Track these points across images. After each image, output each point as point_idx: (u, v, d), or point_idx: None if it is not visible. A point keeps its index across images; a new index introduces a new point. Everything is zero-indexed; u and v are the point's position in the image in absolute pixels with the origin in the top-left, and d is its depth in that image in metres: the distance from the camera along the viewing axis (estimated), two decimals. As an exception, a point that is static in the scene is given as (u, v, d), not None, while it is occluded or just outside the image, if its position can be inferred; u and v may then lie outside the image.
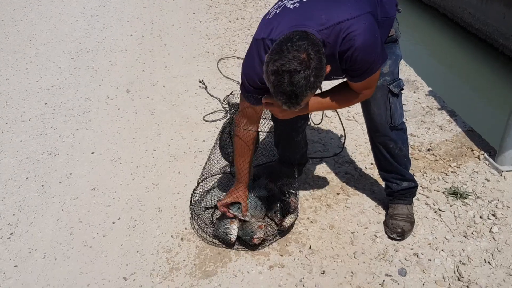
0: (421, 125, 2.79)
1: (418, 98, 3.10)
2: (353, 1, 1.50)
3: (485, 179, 2.30)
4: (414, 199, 2.11)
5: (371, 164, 2.41)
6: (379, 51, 1.53)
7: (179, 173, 2.45)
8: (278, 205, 2.05)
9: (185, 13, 4.98)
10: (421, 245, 1.94)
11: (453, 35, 6.08)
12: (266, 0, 5.24)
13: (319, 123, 2.65)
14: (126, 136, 2.80)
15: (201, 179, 2.22)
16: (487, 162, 2.41)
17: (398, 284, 1.76)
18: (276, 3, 1.64)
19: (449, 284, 1.75)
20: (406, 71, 3.46)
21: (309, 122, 2.36)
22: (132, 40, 4.29)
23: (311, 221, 2.08)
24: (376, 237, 1.98)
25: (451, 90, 4.46)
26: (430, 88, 3.22)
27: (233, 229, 1.91)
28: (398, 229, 1.95)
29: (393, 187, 2.01)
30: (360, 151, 2.57)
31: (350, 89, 1.64)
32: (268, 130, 2.18)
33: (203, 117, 2.96)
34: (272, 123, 2.18)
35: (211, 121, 2.91)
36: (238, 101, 2.12)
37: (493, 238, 1.95)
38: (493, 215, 2.06)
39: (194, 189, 2.15)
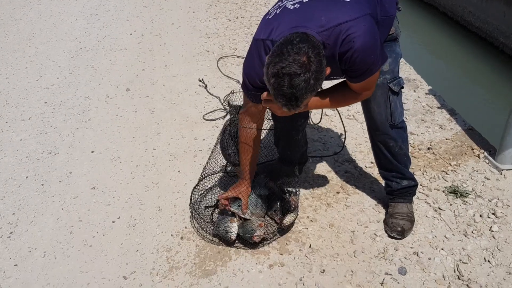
0: (421, 124, 2.79)
1: (418, 96, 3.10)
2: (353, 3, 1.51)
3: (485, 177, 2.30)
4: (414, 198, 2.11)
5: (371, 162, 2.41)
6: (378, 52, 1.53)
7: (179, 172, 2.45)
8: (278, 203, 2.05)
9: (184, 11, 4.98)
10: (421, 243, 1.94)
11: (453, 33, 6.07)
12: (266, -2, 5.23)
13: (319, 122, 2.65)
14: (126, 135, 2.80)
15: (202, 177, 2.22)
16: (487, 161, 2.41)
17: (398, 283, 1.76)
18: (276, 3, 1.64)
19: (449, 283, 1.75)
20: (406, 70, 3.46)
21: (308, 121, 2.36)
22: (131, 39, 4.29)
23: (311, 220, 2.08)
24: (376, 236, 1.98)
25: (451, 88, 4.46)
26: (430, 87, 3.22)
27: (233, 227, 1.91)
28: (398, 227, 1.95)
29: (393, 185, 2.01)
30: (360, 149, 2.57)
31: (350, 88, 1.65)
32: (268, 128, 2.18)
33: (203, 116, 2.96)
34: (272, 122, 2.18)
35: (211, 120, 2.91)
36: (238, 102, 2.11)
37: (493, 236, 1.95)
38: (493, 213, 2.06)
39: (194, 188, 2.15)
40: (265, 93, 1.54)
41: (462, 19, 6.14)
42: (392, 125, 1.86)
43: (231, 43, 4.09)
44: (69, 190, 2.34)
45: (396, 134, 1.89)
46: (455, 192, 2.19)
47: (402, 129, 1.92)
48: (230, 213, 1.98)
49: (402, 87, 1.85)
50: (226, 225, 1.93)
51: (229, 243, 1.94)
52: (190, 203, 2.10)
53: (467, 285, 1.74)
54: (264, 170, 2.24)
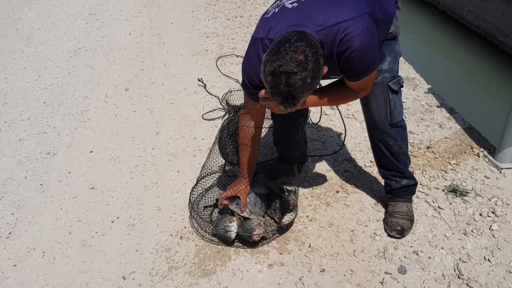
0: (420, 123, 2.79)
1: (418, 95, 3.09)
2: (351, 2, 1.51)
3: (484, 176, 2.30)
4: (413, 197, 2.11)
5: (371, 162, 2.41)
6: (376, 51, 1.53)
7: (178, 171, 2.44)
8: (277, 203, 2.05)
9: (183, 11, 4.97)
10: (420, 243, 1.93)
11: (452, 32, 6.07)
12: (265, -2, 5.23)
13: (318, 121, 2.65)
14: (124, 135, 2.79)
15: (200, 177, 2.21)
16: (487, 160, 2.41)
17: (398, 282, 1.76)
18: (275, 2, 1.64)
19: (449, 282, 1.75)
20: (405, 69, 3.46)
21: (308, 120, 2.35)
22: (130, 39, 4.28)
23: (311, 219, 2.07)
24: (376, 235, 1.98)
25: (451, 87, 4.45)
26: (429, 86, 3.21)
27: (233, 226, 1.92)
28: (397, 227, 1.95)
29: (393, 184, 2.01)
30: (360, 149, 2.56)
31: (347, 87, 1.65)
32: (268, 127, 2.18)
33: (202, 115, 2.95)
34: (271, 121, 2.17)
35: (210, 120, 2.90)
36: (236, 101, 2.10)
37: (493, 235, 1.95)
38: (493, 212, 2.06)
39: (193, 188, 2.15)
40: (262, 91, 1.54)
41: (461, 18, 6.13)
42: (392, 124, 1.85)
43: (230, 43, 4.08)
44: (68, 190, 2.33)
45: (396, 133, 1.89)
46: (454, 191, 2.19)
47: (402, 128, 1.92)
48: (229, 212, 1.98)
49: (402, 86, 1.85)
50: (225, 224, 1.93)
51: (228, 242, 1.93)
52: (189, 203, 2.10)
53: (467, 284, 1.74)
54: (263, 169, 2.24)
